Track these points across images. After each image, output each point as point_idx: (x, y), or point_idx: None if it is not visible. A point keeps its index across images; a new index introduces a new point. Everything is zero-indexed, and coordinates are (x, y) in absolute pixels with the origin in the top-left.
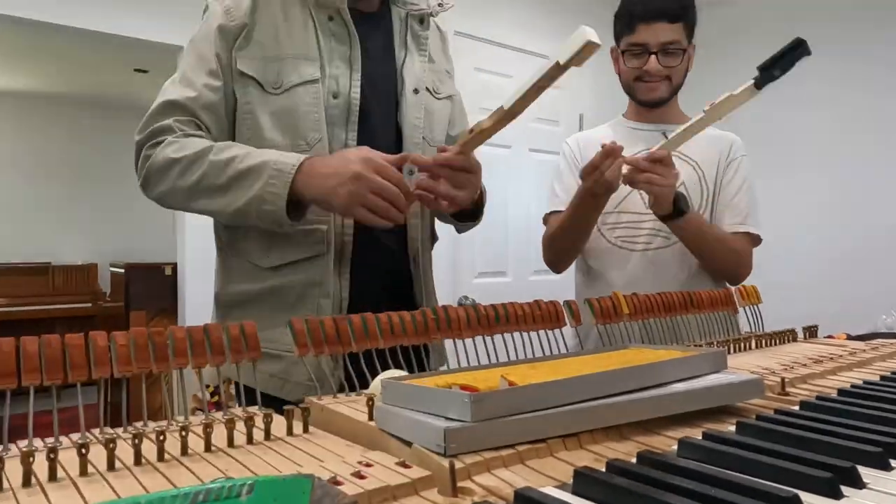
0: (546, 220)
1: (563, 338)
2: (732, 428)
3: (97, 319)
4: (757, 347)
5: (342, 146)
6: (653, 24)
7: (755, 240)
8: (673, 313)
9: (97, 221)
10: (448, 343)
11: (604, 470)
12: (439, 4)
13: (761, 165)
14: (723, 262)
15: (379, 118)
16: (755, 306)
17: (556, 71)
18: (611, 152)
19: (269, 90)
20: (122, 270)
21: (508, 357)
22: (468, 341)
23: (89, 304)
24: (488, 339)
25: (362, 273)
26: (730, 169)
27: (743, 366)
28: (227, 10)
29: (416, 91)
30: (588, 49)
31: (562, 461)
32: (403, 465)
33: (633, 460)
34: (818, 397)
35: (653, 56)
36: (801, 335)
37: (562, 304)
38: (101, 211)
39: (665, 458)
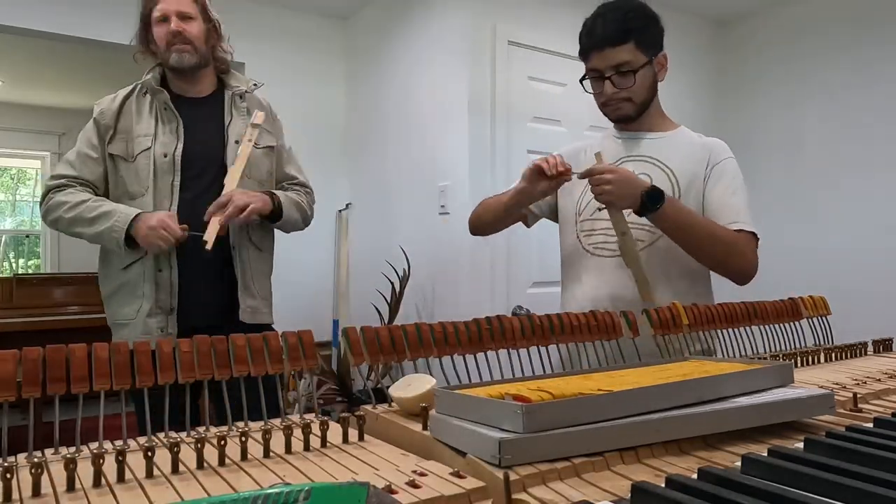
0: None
1: (620, 348)
2: (800, 445)
3: None
4: (826, 361)
5: (169, 186)
6: (600, 51)
7: (753, 237)
8: (734, 324)
9: None
10: (503, 353)
11: (663, 485)
12: (254, 84)
13: (831, 163)
14: (712, 254)
15: (206, 162)
16: (823, 317)
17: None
18: (553, 172)
19: (128, 160)
20: None
21: (563, 367)
22: (522, 351)
23: None
24: (542, 349)
25: (189, 262)
26: (713, 175)
27: (811, 380)
28: (101, 113)
29: (237, 142)
30: None
31: (619, 475)
32: (458, 475)
33: (694, 476)
34: (894, 414)
35: (607, 81)
36: (871, 349)
37: (619, 314)
38: None
39: (728, 475)
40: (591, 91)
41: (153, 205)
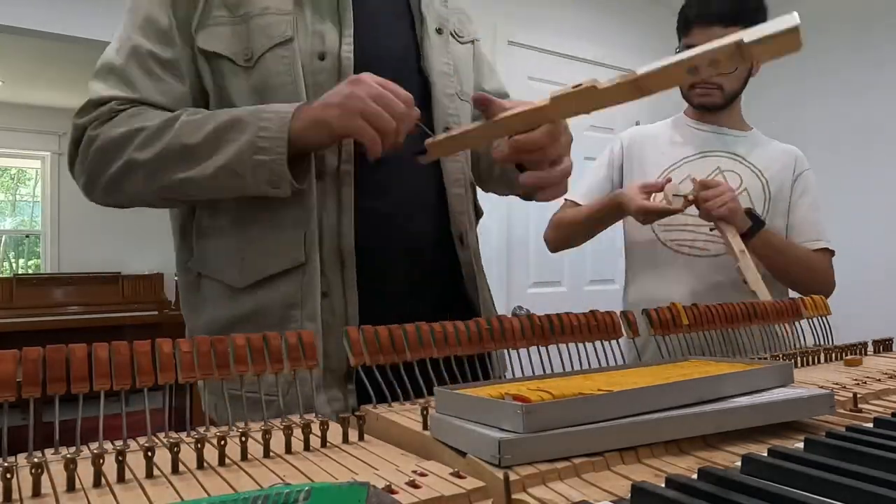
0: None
1: (620, 349)
2: (800, 445)
3: (163, 327)
4: (826, 361)
5: None
6: (706, 28)
7: (831, 254)
8: (735, 325)
9: (163, 231)
10: (502, 353)
11: (663, 485)
12: None
13: (832, 163)
14: (799, 280)
15: (392, 72)
16: (823, 317)
17: (728, 52)
18: (669, 213)
19: (240, 63)
20: None
21: (563, 368)
22: (522, 352)
23: (155, 312)
24: (543, 349)
25: (379, 277)
26: (798, 185)
27: (811, 380)
28: None
29: (439, 31)
30: (788, 38)
31: (619, 475)
32: (458, 475)
33: (694, 476)
34: (894, 414)
35: None
36: (871, 349)
37: (618, 314)
38: (167, 222)
39: (728, 475)
40: None
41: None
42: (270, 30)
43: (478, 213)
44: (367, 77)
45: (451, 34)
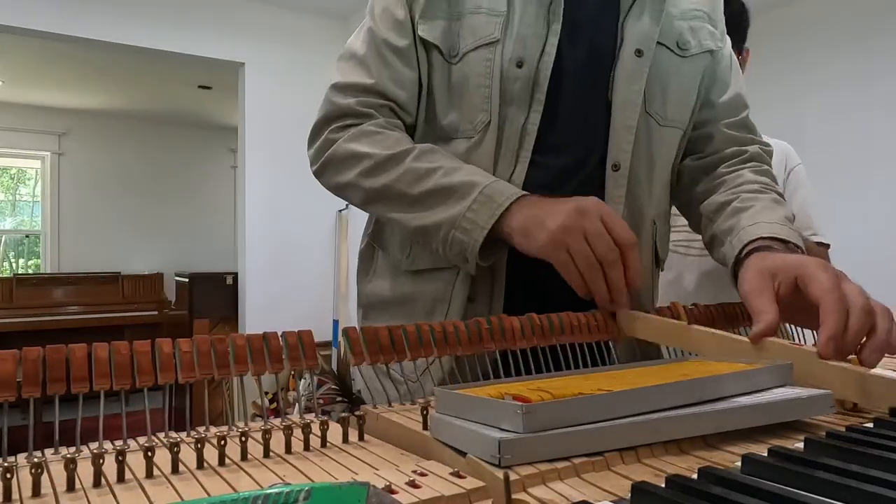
0: None
1: (620, 349)
2: (800, 445)
3: (163, 327)
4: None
5: (518, 131)
6: None
7: (826, 248)
8: (735, 325)
9: (163, 232)
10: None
11: (663, 485)
12: None
13: (831, 162)
14: None
15: (584, 91)
16: None
17: None
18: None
19: (448, 59)
20: (187, 280)
21: (563, 367)
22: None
23: (155, 312)
24: (542, 349)
25: (525, 293)
26: (790, 181)
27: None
28: None
29: (638, 53)
30: None
31: (619, 475)
32: (458, 475)
33: (694, 476)
34: (894, 414)
35: None
36: None
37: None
38: (167, 222)
39: (728, 475)
40: None
41: (485, 162)
42: (478, 29)
43: (658, 255)
44: (594, 208)
45: (674, 47)
